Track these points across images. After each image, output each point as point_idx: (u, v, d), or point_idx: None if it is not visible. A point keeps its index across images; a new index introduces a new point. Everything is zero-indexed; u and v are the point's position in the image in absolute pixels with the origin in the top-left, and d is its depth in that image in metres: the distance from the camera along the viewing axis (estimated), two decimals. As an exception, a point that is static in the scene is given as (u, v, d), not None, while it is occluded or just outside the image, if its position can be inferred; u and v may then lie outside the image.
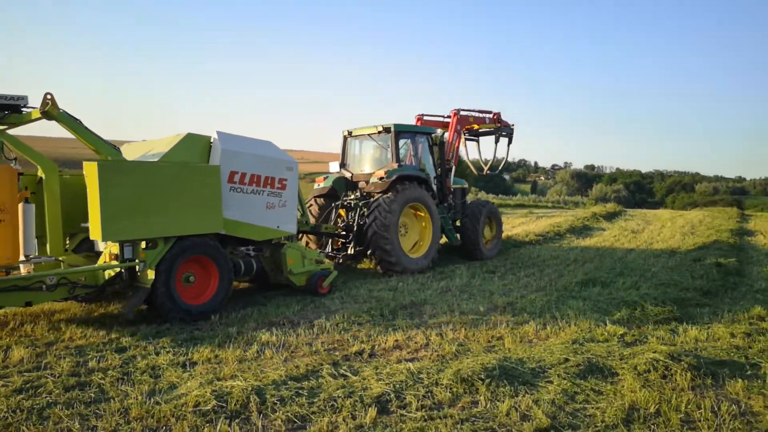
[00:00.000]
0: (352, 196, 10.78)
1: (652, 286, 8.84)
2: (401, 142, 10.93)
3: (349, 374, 4.97)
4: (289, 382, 4.76)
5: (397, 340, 6.06)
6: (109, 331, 6.40)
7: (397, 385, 4.60)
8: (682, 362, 4.93)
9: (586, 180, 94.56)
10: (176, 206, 6.76)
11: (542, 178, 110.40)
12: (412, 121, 12.40)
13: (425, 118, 12.56)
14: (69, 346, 5.89)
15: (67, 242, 7.51)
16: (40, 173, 7.01)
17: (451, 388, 4.54)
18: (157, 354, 5.63)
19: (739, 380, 4.67)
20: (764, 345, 5.74)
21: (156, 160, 6.93)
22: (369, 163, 11.38)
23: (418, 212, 10.82)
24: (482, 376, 4.66)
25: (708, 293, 8.34)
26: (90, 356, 5.54)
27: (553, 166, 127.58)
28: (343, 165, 11.58)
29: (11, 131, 6.85)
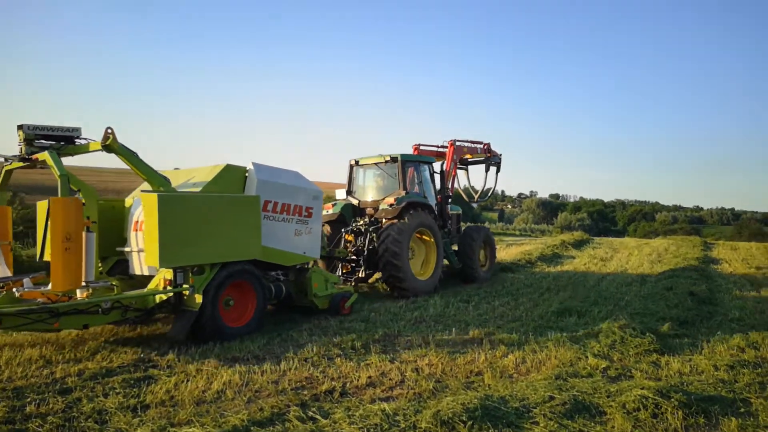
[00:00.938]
0: (361, 222, 11.13)
1: (627, 315, 8.66)
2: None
3: (318, 417, 4.54)
4: (252, 429, 4.31)
5: (370, 377, 5.67)
6: (54, 369, 5.82)
7: (372, 430, 4.21)
8: (672, 399, 4.68)
9: (551, 208, 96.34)
10: (222, 235, 7.10)
11: (509, 206, 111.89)
12: (408, 150, 12.82)
13: (421, 147, 12.89)
14: (6, 388, 5.30)
15: (100, 265, 7.66)
16: (81, 199, 7.25)
17: (430, 432, 4.17)
18: (106, 396, 5.10)
19: (732, 418, 4.44)
20: (749, 378, 5.56)
21: (198, 189, 7.28)
22: (376, 190, 11.78)
23: (424, 237, 11.24)
24: (463, 418, 4.31)
25: (684, 323, 8.20)
26: (29, 399, 4.97)
27: (520, 194, 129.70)
28: (349, 192, 12.03)
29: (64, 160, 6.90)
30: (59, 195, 6.35)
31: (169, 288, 6.78)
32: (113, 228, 7.64)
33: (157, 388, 5.29)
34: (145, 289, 6.97)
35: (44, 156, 6.68)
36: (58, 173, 6.40)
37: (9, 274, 7.34)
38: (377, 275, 11.17)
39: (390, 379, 5.59)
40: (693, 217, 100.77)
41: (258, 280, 7.63)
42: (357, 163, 11.93)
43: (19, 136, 6.79)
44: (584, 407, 4.66)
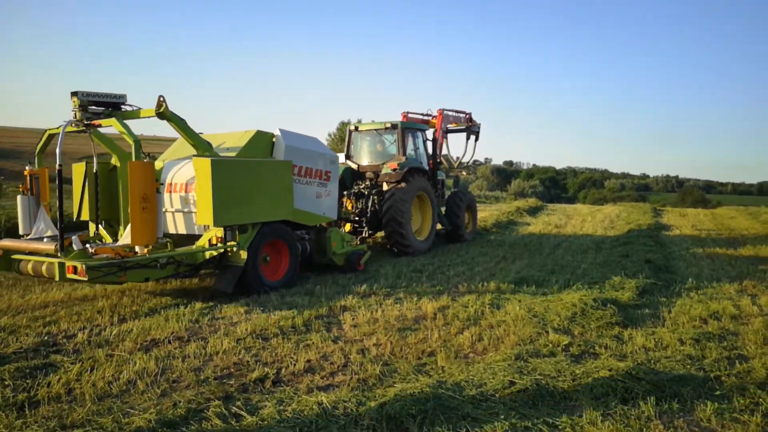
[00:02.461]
0: (363, 185, 11.80)
1: (585, 284, 8.31)
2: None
3: (243, 413, 3.85)
4: (159, 431, 3.58)
5: (309, 361, 5.00)
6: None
7: (305, 429, 3.56)
8: (642, 382, 4.23)
9: (505, 176, 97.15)
10: (262, 196, 7.71)
11: (464, 173, 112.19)
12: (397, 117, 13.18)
13: (410, 115, 13.37)
14: None
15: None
16: (114, 161, 7.97)
17: (374, 430, 3.55)
18: (-11, 391, 4.25)
19: (708, 402, 4.01)
20: (717, 354, 5.19)
21: (233, 154, 7.72)
22: (375, 155, 12.29)
23: (421, 200, 11.95)
24: (413, 411, 3.71)
25: (644, 292, 7.88)
26: None
27: (474, 161, 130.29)
28: (348, 156, 12.39)
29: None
30: (133, 159, 6.67)
31: (219, 245, 7.29)
32: None
33: (54, 379, 4.48)
34: (194, 246, 7.43)
35: (111, 122, 6.99)
36: (132, 139, 6.73)
37: (54, 232, 7.49)
38: (379, 234, 12.07)
39: (332, 363, 4.95)
40: (639, 185, 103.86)
41: (291, 238, 8.27)
42: (356, 128, 12.41)
43: (74, 102, 6.99)
44: (548, 393, 4.14)
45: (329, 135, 43.59)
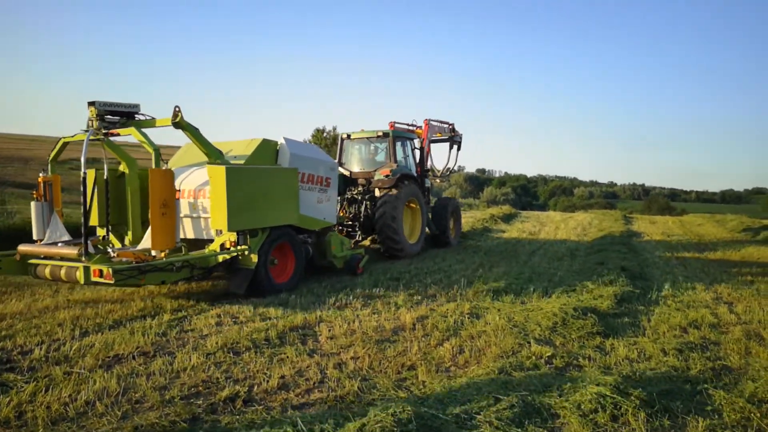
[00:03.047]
0: (355, 191, 12.13)
1: (564, 292, 8.23)
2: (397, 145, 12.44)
3: (212, 438, 3.58)
4: (119, 459, 3.28)
5: (283, 377, 4.74)
6: None
7: (280, 454, 3.30)
8: (632, 396, 4.08)
9: (477, 183, 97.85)
10: (271, 202, 8.00)
11: (437, 180, 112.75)
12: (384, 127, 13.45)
13: (396, 125, 13.62)
14: None
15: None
16: (123, 168, 8.10)
17: (354, 455, 3.32)
18: (-72, 417, 3.87)
19: (699, 418, 3.89)
20: (701, 365, 5.11)
21: (241, 162, 7.93)
22: (366, 162, 12.69)
23: (411, 205, 12.44)
24: (395, 433, 3.49)
25: (622, 300, 7.83)
26: None
27: (448, 169, 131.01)
28: (341, 164, 12.64)
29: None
30: (153, 166, 7.08)
31: (232, 249, 7.46)
32: (145, 196, 7.92)
33: (5, 401, 4.11)
34: (207, 250, 7.61)
35: (131, 131, 7.28)
36: (152, 147, 7.10)
37: (69, 237, 7.74)
38: (366, 242, 12.49)
39: (307, 380, 4.68)
40: (608, 192, 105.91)
41: (296, 242, 8.58)
42: (348, 137, 12.79)
43: (91, 112, 7.20)
44: (534, 410, 3.97)
45: (304, 141, 43.41)
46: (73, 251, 6.91)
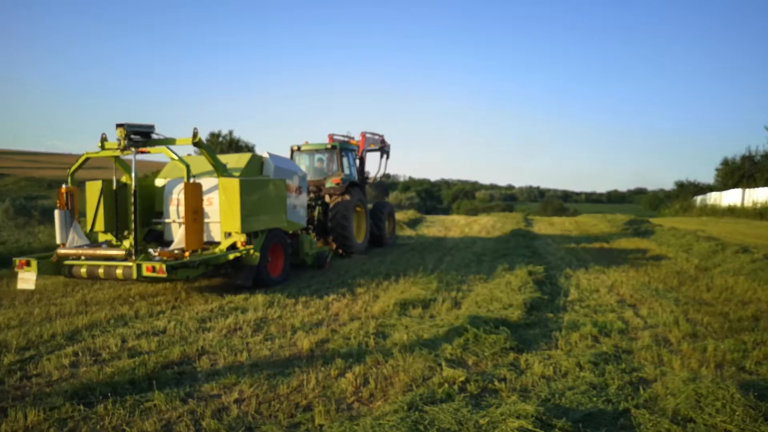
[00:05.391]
0: (308, 198, 12.58)
1: (473, 303, 7.84)
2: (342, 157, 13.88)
3: None
4: None
5: (145, 435, 3.81)
6: None
7: None
8: (556, 429, 3.61)
9: (383, 188, 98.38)
10: (269, 208, 9.15)
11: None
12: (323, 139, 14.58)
13: (335, 137, 14.56)
14: None
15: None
16: (125, 179, 9.07)
17: None
18: None
19: (628, 449, 3.48)
20: (619, 380, 4.80)
21: (237, 174, 8.87)
22: (315, 172, 14.03)
23: (357, 209, 13.79)
24: None
25: (531, 308, 7.56)
26: None
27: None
28: None
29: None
30: (185, 180, 7.84)
31: (243, 248, 8.36)
32: (148, 204, 9.06)
33: None
34: (217, 250, 8.48)
35: (162, 150, 8.14)
36: (184, 164, 7.89)
37: (87, 242, 8.64)
38: (321, 242, 13.36)
39: (176, 437, 3.80)
40: (507, 195, 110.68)
41: (285, 242, 9.78)
42: (298, 149, 14.04)
43: (119, 132, 7.94)
44: (450, 456, 3.37)
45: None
46: (120, 252, 7.89)
